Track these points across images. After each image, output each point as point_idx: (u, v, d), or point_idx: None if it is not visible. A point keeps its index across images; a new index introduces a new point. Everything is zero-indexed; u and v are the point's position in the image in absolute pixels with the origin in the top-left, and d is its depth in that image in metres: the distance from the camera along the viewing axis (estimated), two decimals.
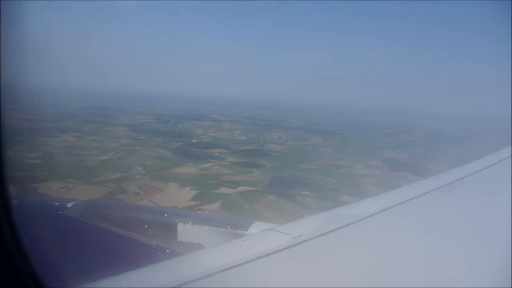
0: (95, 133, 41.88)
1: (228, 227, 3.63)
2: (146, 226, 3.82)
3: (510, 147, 5.90)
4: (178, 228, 3.73)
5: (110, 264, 2.96)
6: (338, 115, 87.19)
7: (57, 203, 4.32)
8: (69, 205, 4.23)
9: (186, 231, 3.71)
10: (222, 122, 57.65)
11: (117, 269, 2.08)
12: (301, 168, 35.36)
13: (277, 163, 36.66)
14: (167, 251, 3.50)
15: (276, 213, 23.58)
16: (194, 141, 43.86)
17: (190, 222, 3.74)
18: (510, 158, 5.45)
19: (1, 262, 1.25)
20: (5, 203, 1.26)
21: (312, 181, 31.05)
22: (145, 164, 32.36)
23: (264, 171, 33.69)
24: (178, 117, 58.60)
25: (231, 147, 41.85)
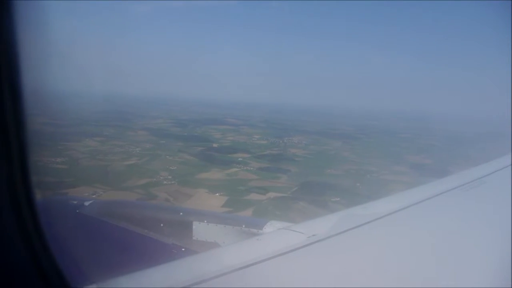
0: (116, 137, 41.76)
1: (243, 226, 3.61)
2: (161, 225, 3.80)
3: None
4: (194, 227, 3.72)
5: (126, 262, 2.99)
6: (352, 119, 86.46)
7: (75, 202, 4.35)
8: (86, 203, 4.27)
9: (201, 230, 3.71)
10: (239, 126, 57.30)
11: (132, 267, 2.08)
12: (327, 174, 34.82)
13: (302, 168, 36.10)
14: (183, 249, 3.51)
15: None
16: (215, 145, 43.50)
17: (205, 221, 3.74)
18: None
19: (27, 259, 1.27)
20: (30, 201, 1.25)
21: (341, 187, 30.47)
22: (171, 170, 32.04)
23: (290, 176, 33.16)
24: (195, 121, 58.38)
25: (253, 151, 41.41)
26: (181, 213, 3.94)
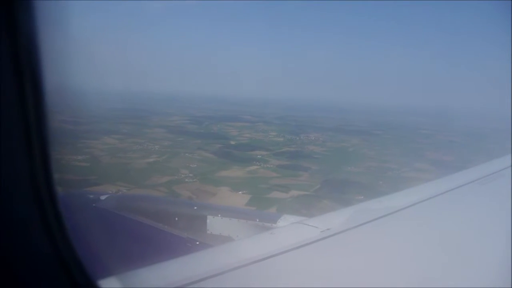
0: (134, 135, 41.87)
1: (257, 220, 3.62)
2: (176, 219, 3.82)
3: None
4: (208, 221, 3.74)
5: (141, 255, 2.99)
6: (366, 115, 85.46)
7: (91, 196, 4.41)
8: (102, 197, 4.32)
9: (215, 224, 3.72)
10: (255, 123, 56.99)
11: (148, 260, 2.09)
12: (347, 171, 34.36)
13: (321, 165, 35.73)
14: (197, 243, 3.52)
15: None
16: (232, 142, 43.34)
17: (219, 215, 3.75)
18: None
19: (50, 251, 1.30)
20: (51, 196, 1.28)
21: (363, 185, 30.01)
22: (191, 167, 31.98)
23: (311, 174, 32.85)
24: (210, 118, 58.26)
25: (271, 148, 41.14)
26: (195, 207, 4.00)
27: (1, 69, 1.10)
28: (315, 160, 38.11)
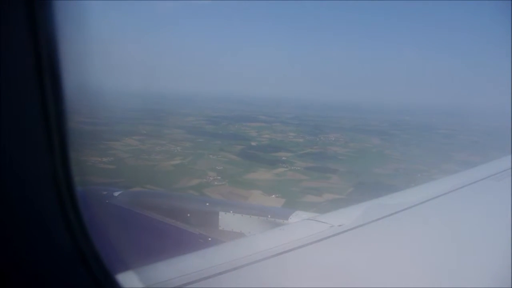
0: (155, 136, 41.36)
1: (269, 216, 3.61)
2: (188, 215, 3.82)
3: None
4: (220, 217, 3.74)
5: (153, 251, 2.99)
6: (383, 114, 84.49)
7: (104, 192, 4.38)
8: (116, 193, 4.32)
9: (227, 220, 3.71)
10: (272, 123, 56.36)
11: (159, 256, 2.15)
12: (376, 173, 33.65)
13: (349, 167, 35.06)
14: (209, 239, 3.51)
15: None
16: (253, 143, 42.74)
17: (231, 211, 3.75)
18: None
19: (69, 244, 1.33)
20: (71, 192, 1.31)
21: (396, 187, 29.16)
22: (218, 169, 31.43)
23: (340, 176, 32.15)
24: (226, 118, 57.74)
25: (293, 150, 40.48)
26: (207, 204, 4.01)
27: (22, 69, 1.10)
28: (341, 161, 37.40)
